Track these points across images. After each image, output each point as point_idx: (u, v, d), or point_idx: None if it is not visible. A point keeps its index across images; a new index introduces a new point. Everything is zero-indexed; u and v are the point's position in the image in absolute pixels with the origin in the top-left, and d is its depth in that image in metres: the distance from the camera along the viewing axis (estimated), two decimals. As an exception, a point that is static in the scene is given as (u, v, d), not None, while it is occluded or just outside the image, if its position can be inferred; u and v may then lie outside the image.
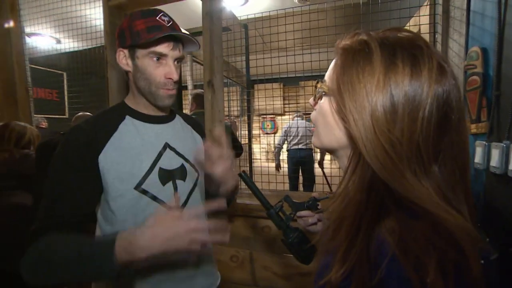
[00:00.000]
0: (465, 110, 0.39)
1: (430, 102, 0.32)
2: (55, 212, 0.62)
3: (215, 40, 1.38)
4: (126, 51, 0.69)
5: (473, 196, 0.99)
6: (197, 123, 0.91)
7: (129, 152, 0.68)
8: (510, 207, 0.80)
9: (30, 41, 2.48)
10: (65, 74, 3.08)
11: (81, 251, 0.56)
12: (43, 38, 3.04)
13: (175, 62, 0.70)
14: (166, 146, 0.74)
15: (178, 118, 0.84)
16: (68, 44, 2.41)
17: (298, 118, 3.65)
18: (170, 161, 0.74)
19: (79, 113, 1.70)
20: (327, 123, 0.41)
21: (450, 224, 0.30)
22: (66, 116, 3.17)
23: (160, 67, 0.68)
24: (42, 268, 0.58)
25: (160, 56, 0.68)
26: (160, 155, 0.72)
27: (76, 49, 2.53)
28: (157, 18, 0.67)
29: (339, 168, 0.49)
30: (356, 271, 0.32)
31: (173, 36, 0.68)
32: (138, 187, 0.67)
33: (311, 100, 0.45)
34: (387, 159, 0.32)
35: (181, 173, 0.76)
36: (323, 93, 0.41)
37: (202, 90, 2.10)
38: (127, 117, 0.72)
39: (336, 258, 0.35)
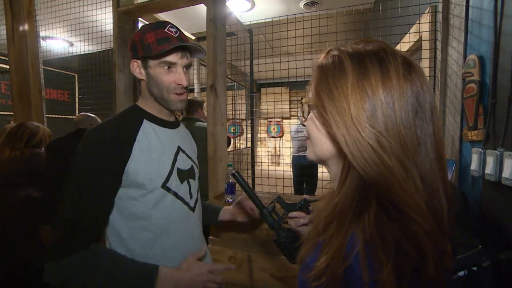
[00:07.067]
0: (435, 101, 0.40)
1: (403, 94, 0.35)
2: (84, 217, 0.65)
3: (218, 46, 1.42)
4: (139, 61, 0.75)
5: (471, 204, 0.99)
6: (191, 130, 0.99)
7: (153, 154, 0.73)
8: (504, 215, 0.80)
9: (45, 44, 2.59)
10: (76, 76, 3.18)
11: (124, 273, 0.64)
12: (57, 41, 3.17)
13: (184, 69, 0.76)
14: (179, 149, 0.82)
15: (181, 125, 0.91)
16: (80, 47, 2.50)
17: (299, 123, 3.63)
18: (183, 163, 0.82)
19: (82, 113, 1.78)
20: (316, 135, 0.43)
21: (418, 229, 0.32)
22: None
23: (171, 74, 0.74)
24: (78, 278, 0.62)
25: (170, 65, 0.73)
26: (176, 157, 0.79)
27: (87, 52, 2.62)
28: (165, 30, 0.72)
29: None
30: (333, 262, 0.35)
31: (181, 45, 0.74)
32: (164, 185, 0.74)
33: (302, 118, 0.48)
34: (373, 156, 0.34)
35: (192, 173, 0.84)
36: (309, 107, 0.44)
37: (194, 96, 2.19)
38: (145, 120, 0.77)
39: (323, 251, 0.37)
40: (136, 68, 0.75)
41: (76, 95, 3.23)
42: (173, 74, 0.74)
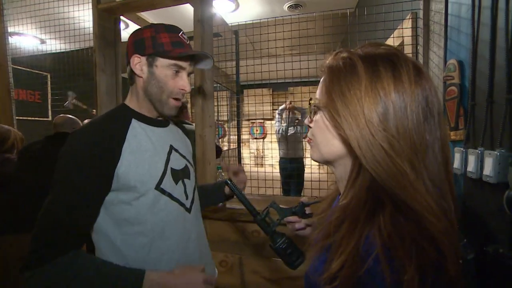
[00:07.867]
0: (442, 106, 0.42)
1: (414, 98, 0.36)
2: (66, 222, 0.61)
3: (206, 46, 1.39)
4: (143, 58, 0.72)
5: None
6: (184, 128, 0.96)
7: (144, 155, 0.70)
8: (484, 210, 0.85)
9: (13, 41, 2.41)
10: (49, 75, 2.98)
11: (108, 281, 0.61)
12: (26, 38, 2.95)
13: (188, 76, 0.76)
14: (172, 148, 0.79)
15: (171, 123, 0.88)
16: (54, 46, 2.35)
17: (283, 122, 3.37)
18: (177, 162, 0.79)
19: (62, 115, 1.67)
20: (324, 136, 0.43)
21: (434, 228, 0.33)
22: (49, 118, 3.06)
23: (176, 79, 0.73)
24: (60, 286, 0.59)
25: (179, 69, 0.73)
26: (168, 156, 0.77)
27: (62, 50, 2.47)
28: (179, 35, 0.74)
29: (335, 178, 0.49)
30: (348, 264, 0.35)
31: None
32: (157, 187, 0.71)
33: (306, 120, 0.48)
34: (386, 158, 0.35)
35: (186, 172, 0.82)
36: (317, 108, 0.44)
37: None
38: (133, 120, 0.74)
39: (335, 253, 0.37)
40: (137, 64, 0.72)
41: (49, 96, 3.02)
42: (179, 79, 0.73)
